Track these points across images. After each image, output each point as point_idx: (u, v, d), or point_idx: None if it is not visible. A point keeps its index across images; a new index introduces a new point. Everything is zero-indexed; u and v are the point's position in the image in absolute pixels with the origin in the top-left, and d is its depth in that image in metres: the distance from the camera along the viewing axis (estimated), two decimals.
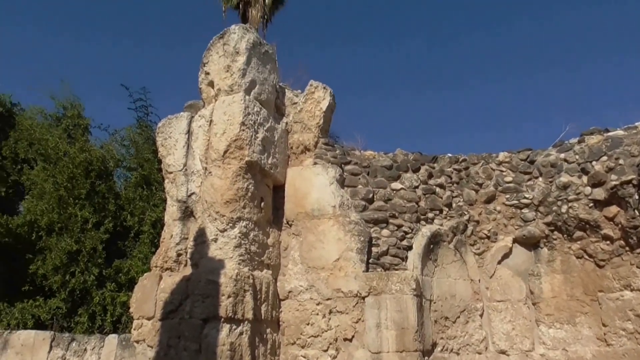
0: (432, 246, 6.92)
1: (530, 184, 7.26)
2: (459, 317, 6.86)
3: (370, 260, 6.45)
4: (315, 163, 7.01)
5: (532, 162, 7.35)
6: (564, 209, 6.88)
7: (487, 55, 39.98)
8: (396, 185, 7.11)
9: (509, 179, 7.37)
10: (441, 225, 7.10)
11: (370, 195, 6.90)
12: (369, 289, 6.15)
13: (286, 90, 7.50)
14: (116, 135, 13.84)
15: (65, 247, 10.67)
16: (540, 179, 7.21)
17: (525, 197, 7.20)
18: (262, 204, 6.51)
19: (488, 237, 7.33)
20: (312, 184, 6.85)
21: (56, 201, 11.36)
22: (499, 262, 7.28)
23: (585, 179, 6.79)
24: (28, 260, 10.96)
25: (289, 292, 6.52)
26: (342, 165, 7.05)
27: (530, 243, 7.23)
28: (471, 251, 7.29)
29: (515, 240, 7.27)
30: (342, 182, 6.92)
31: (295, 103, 7.39)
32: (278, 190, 7.00)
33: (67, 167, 11.56)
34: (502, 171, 7.46)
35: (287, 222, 6.88)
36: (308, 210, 6.73)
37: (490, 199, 7.40)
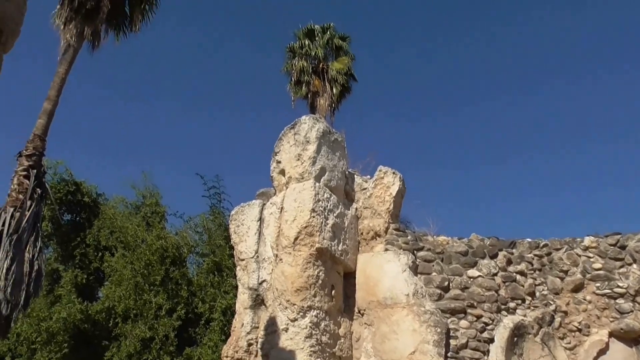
0: (515, 339, 6.45)
1: (623, 271, 6.71)
2: None
3: (449, 354, 6.08)
4: (386, 249, 6.90)
5: (622, 247, 6.85)
6: None
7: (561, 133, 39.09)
8: (473, 272, 6.82)
9: (597, 265, 6.88)
10: (524, 315, 6.65)
11: (446, 283, 6.64)
12: None
13: (355, 176, 7.61)
14: (190, 222, 14.46)
15: (140, 334, 10.92)
16: (634, 265, 6.66)
17: (618, 286, 6.64)
18: (333, 292, 6.43)
19: (579, 330, 6.74)
20: (384, 271, 6.71)
21: (133, 287, 11.80)
22: (595, 359, 6.62)
23: None
24: (104, 347, 11.27)
25: None
26: (415, 252, 6.90)
27: (630, 338, 6.55)
28: (561, 345, 6.70)
29: (611, 334, 6.62)
30: (415, 269, 6.73)
31: (365, 189, 7.45)
32: (349, 278, 6.90)
33: (144, 254, 12.10)
34: (589, 257, 6.98)
35: (359, 311, 6.70)
36: (380, 299, 6.55)
37: (578, 288, 6.86)
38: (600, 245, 6.99)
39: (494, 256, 7.01)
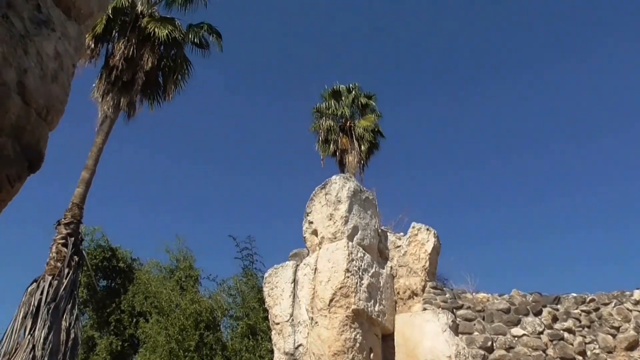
0: None
1: None
2: None
3: None
4: (424, 309, 6.71)
5: None
6: None
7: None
8: (517, 331, 6.53)
9: None
10: None
11: (489, 344, 6.37)
12: None
13: (388, 233, 7.54)
14: (224, 285, 14.42)
15: None
16: None
17: None
18: (372, 355, 6.23)
19: None
20: (423, 332, 6.50)
21: (167, 354, 11.69)
22: None
23: None
24: None
25: None
26: (454, 310, 6.68)
27: None
28: None
29: None
30: (455, 329, 6.50)
31: (399, 246, 7.36)
32: (387, 340, 6.70)
33: (178, 319, 12.05)
34: None
35: None
36: None
37: (632, 346, 6.47)
38: None
39: (538, 313, 6.73)
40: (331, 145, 22.23)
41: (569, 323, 6.69)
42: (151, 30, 14.07)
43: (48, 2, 3.08)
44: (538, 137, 40.94)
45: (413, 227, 7.38)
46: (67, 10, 3.19)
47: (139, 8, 14.69)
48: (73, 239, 11.65)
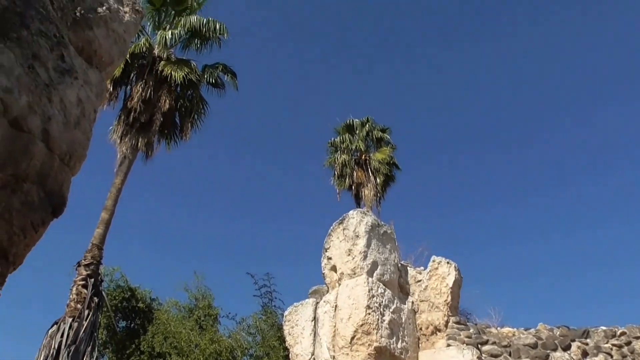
0: None
1: None
2: None
3: None
4: (448, 345, 6.54)
5: None
6: None
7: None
8: None
9: None
10: None
11: None
12: None
13: (408, 268, 7.44)
14: (243, 324, 14.28)
15: None
16: None
17: None
18: None
19: None
20: None
21: None
22: None
23: None
24: None
25: None
26: (479, 346, 6.51)
27: None
28: None
29: None
30: None
31: (419, 281, 7.25)
32: None
33: (198, 359, 11.91)
34: None
35: None
36: None
37: None
38: None
39: (566, 348, 6.52)
40: (347, 179, 22.25)
41: (600, 358, 6.48)
42: (168, 72, 14.44)
43: (71, 52, 3.19)
44: (561, 171, 40.58)
45: (433, 261, 7.28)
46: (89, 58, 3.30)
47: (156, 52, 15.12)
48: (93, 280, 11.71)
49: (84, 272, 11.71)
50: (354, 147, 22.77)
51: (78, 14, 3.25)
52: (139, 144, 14.09)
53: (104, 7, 3.44)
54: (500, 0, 41.60)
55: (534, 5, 40.85)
